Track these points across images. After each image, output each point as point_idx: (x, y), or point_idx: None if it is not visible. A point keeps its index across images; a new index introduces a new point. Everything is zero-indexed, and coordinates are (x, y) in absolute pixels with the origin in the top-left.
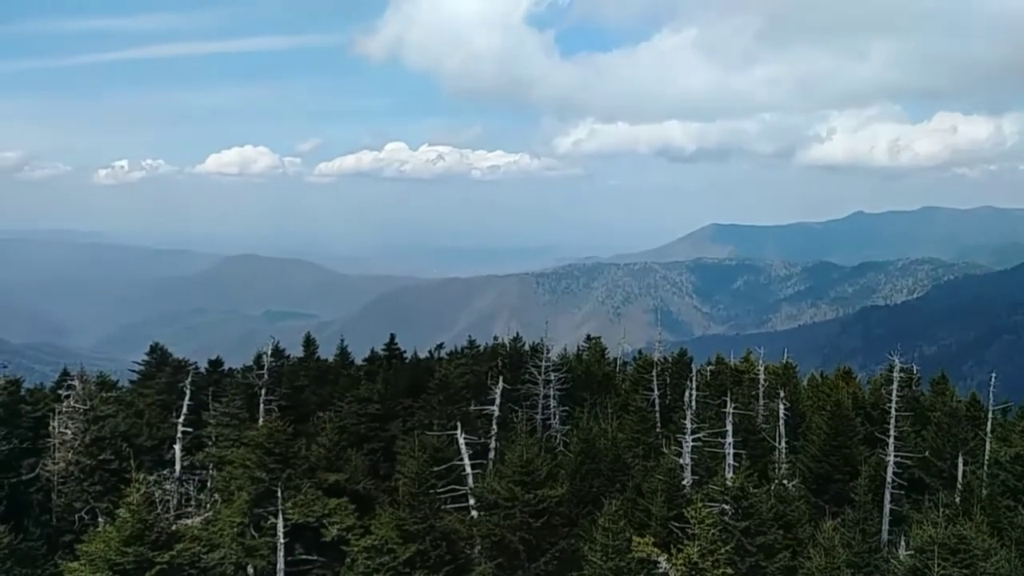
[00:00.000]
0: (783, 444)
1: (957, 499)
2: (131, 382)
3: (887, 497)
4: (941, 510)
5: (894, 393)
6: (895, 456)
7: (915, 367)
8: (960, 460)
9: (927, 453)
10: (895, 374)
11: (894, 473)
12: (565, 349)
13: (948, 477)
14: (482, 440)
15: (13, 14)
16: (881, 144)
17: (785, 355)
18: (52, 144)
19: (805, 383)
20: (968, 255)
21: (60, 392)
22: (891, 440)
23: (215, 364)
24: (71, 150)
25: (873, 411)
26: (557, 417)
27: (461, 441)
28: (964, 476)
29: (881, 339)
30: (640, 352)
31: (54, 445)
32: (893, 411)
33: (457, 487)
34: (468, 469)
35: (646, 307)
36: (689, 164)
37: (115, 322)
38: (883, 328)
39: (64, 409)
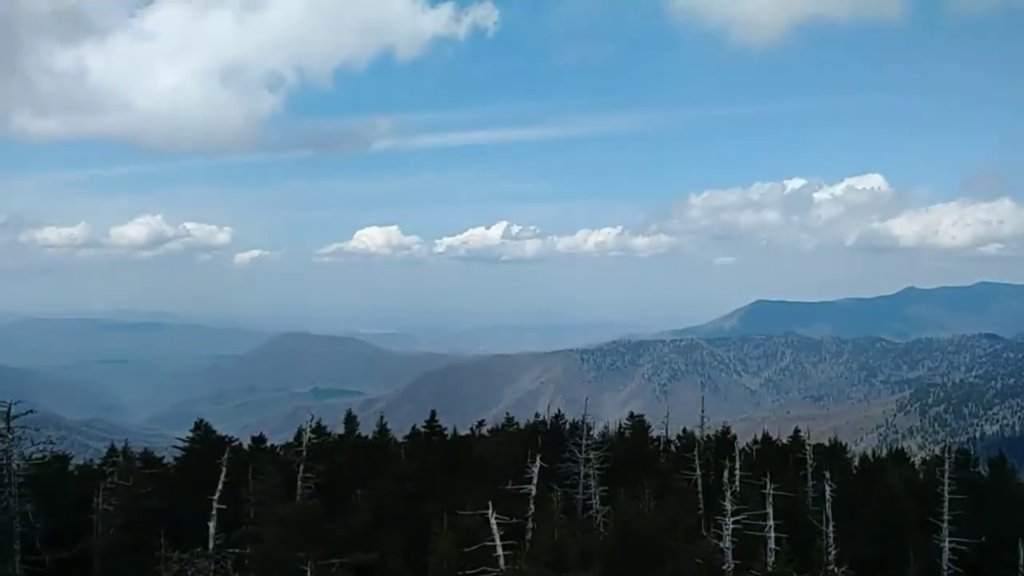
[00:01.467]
0: (830, 528)
1: None
2: (175, 459)
3: None
4: None
5: (946, 475)
6: (950, 542)
7: (972, 448)
8: (1021, 546)
9: (984, 539)
10: (946, 454)
11: (950, 560)
12: (606, 427)
13: (1009, 564)
14: (517, 520)
15: None
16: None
17: (835, 434)
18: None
19: (856, 464)
20: None
21: (106, 468)
22: (945, 525)
23: (257, 441)
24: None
25: (926, 494)
26: (597, 497)
27: (492, 521)
28: None
29: (939, 419)
30: (684, 430)
31: (97, 521)
32: (946, 494)
33: (488, 568)
34: (499, 550)
35: (693, 384)
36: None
37: (168, 400)
38: (941, 407)
39: (108, 485)
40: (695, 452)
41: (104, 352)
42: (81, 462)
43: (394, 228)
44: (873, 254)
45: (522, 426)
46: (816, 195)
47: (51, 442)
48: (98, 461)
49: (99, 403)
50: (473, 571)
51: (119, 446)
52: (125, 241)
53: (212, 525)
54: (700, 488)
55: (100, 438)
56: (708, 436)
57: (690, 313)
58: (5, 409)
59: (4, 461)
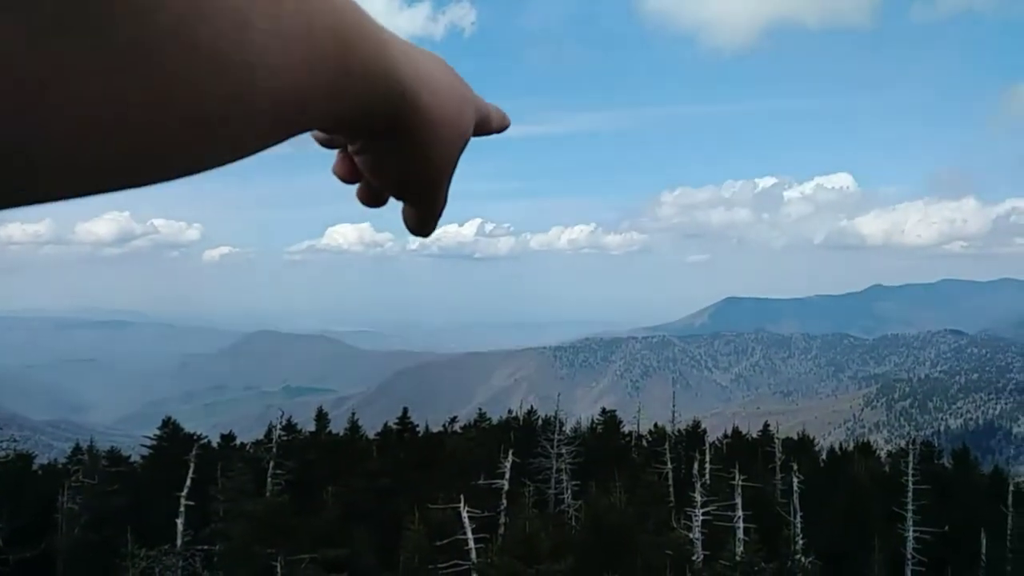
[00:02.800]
0: (798, 519)
1: None
2: (142, 457)
3: (908, 574)
4: None
5: (911, 466)
6: (914, 532)
7: (937, 441)
8: (983, 536)
9: (947, 528)
10: (911, 447)
11: (914, 549)
12: (579, 423)
13: (971, 554)
14: (489, 514)
15: None
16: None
17: (803, 428)
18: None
19: (824, 457)
20: (991, 328)
21: (71, 468)
22: (910, 515)
23: (227, 439)
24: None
25: (892, 485)
26: (569, 491)
27: (464, 515)
28: (987, 553)
29: (905, 413)
30: (656, 426)
31: (61, 521)
32: (911, 485)
33: (460, 562)
34: (472, 544)
35: (664, 380)
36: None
37: (136, 399)
38: (907, 402)
39: (72, 484)
40: (666, 446)
41: (70, 351)
42: (45, 462)
43: (366, 225)
44: (841, 252)
45: (495, 422)
46: (786, 193)
47: (15, 440)
48: (63, 460)
49: (65, 403)
50: (445, 564)
51: (84, 445)
52: (91, 238)
53: (180, 523)
54: (671, 481)
55: (65, 438)
56: (679, 431)
57: (662, 310)
58: None
59: None
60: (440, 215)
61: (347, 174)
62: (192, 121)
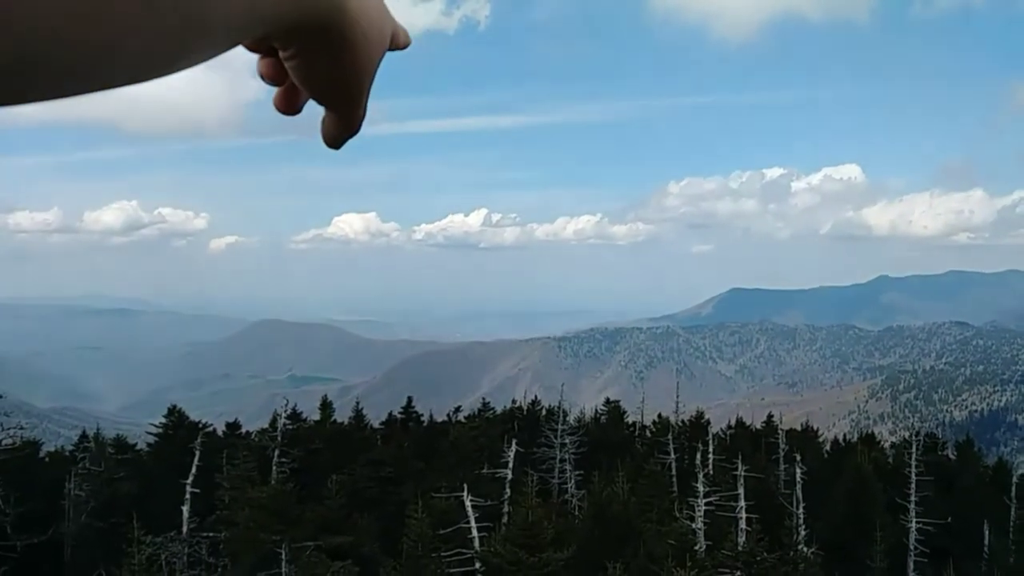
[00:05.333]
0: (800, 510)
1: (983, 567)
2: (148, 444)
3: (910, 565)
4: None
5: (914, 457)
6: (917, 523)
7: (942, 433)
8: (986, 528)
9: (950, 519)
10: (914, 438)
11: (916, 540)
12: (582, 413)
13: (974, 545)
14: (492, 503)
15: None
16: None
17: (807, 419)
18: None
19: (828, 448)
20: (997, 319)
21: (77, 455)
22: (913, 506)
23: (232, 427)
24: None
25: (895, 477)
26: (572, 481)
27: (467, 503)
28: (990, 544)
29: (910, 405)
30: (659, 416)
31: (68, 507)
32: (913, 476)
33: (463, 550)
34: (475, 532)
35: (669, 371)
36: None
37: (141, 387)
38: (912, 393)
39: (79, 471)
40: (669, 437)
41: (77, 339)
42: (53, 449)
43: (372, 215)
44: (847, 243)
45: (499, 412)
46: (794, 184)
47: (22, 428)
48: (70, 448)
49: (71, 391)
50: (448, 552)
51: (91, 433)
52: (99, 227)
53: (186, 510)
54: (674, 472)
55: (72, 426)
56: (682, 421)
57: (667, 301)
58: None
59: None
60: (358, 125)
61: (274, 75)
62: (153, 31)
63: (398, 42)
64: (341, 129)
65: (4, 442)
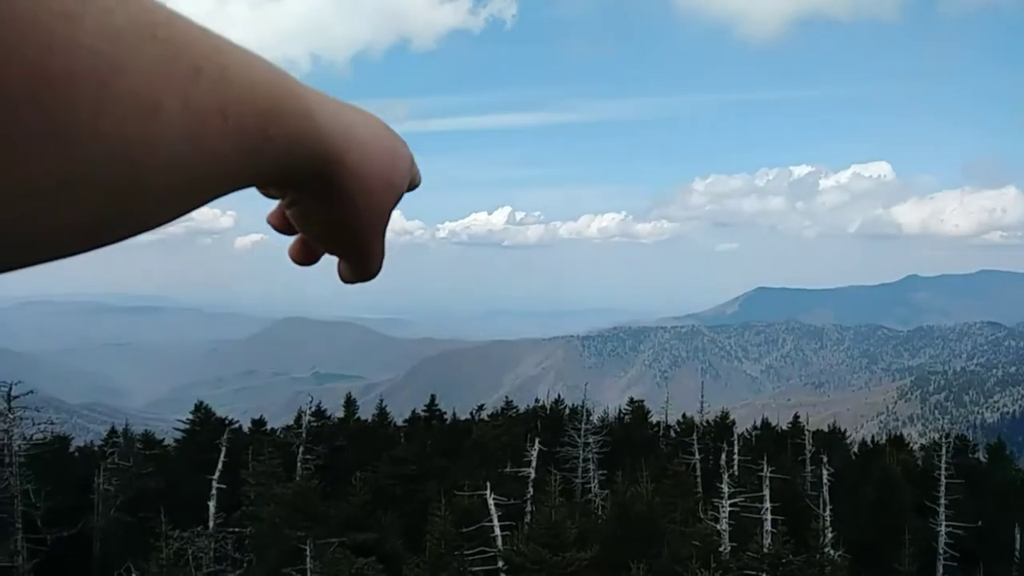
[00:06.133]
0: (827, 512)
1: (1014, 571)
2: (175, 440)
3: (939, 569)
4: None
5: (943, 459)
6: (947, 526)
7: (973, 435)
8: (1017, 531)
9: (980, 523)
10: (944, 440)
11: (946, 544)
12: (606, 412)
13: (1004, 549)
14: (515, 502)
15: None
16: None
17: (835, 420)
18: None
19: (855, 450)
20: None
21: (106, 450)
22: (942, 509)
23: (257, 424)
24: None
25: (924, 479)
26: (595, 480)
27: (490, 502)
28: (1021, 547)
29: (940, 406)
30: (684, 416)
31: (97, 501)
32: (943, 478)
33: (486, 549)
34: (498, 531)
35: (693, 371)
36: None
37: (167, 384)
38: (942, 395)
39: (108, 466)
40: (694, 437)
41: (105, 335)
42: (82, 444)
43: (396, 213)
44: (876, 241)
45: (522, 411)
46: (822, 182)
47: (52, 423)
48: (99, 443)
49: (99, 387)
50: (471, 551)
51: (119, 428)
52: None
53: (212, 505)
54: (698, 472)
55: (101, 421)
56: (707, 421)
57: (691, 299)
58: (6, 390)
59: (5, 441)
60: (376, 268)
61: (280, 224)
62: (100, 200)
63: (414, 183)
64: (355, 276)
65: (35, 437)
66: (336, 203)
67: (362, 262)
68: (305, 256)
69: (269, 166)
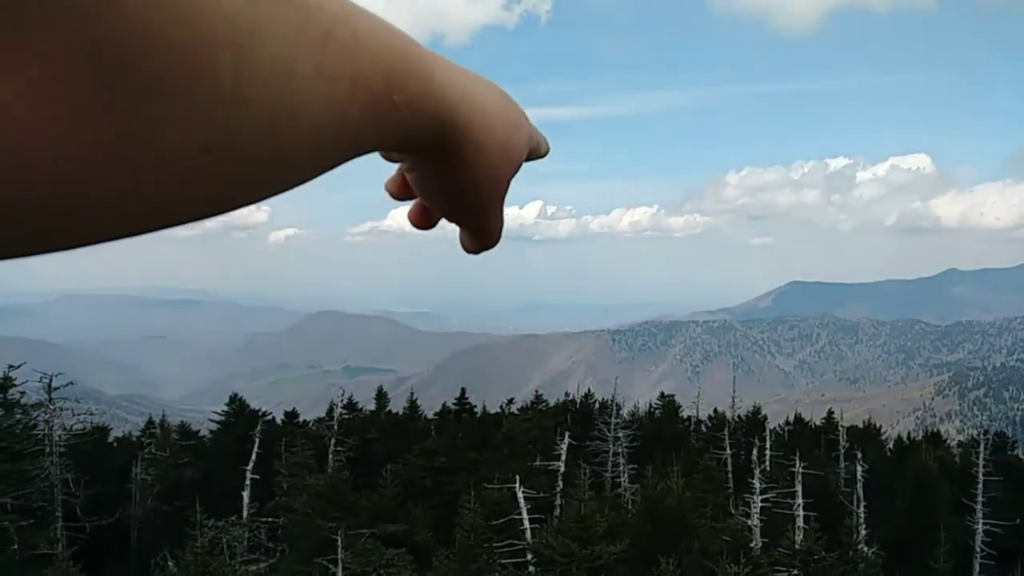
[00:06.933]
0: (861, 509)
1: None
2: (210, 431)
3: (976, 567)
4: None
5: (981, 456)
6: (984, 524)
7: (1012, 432)
8: None
9: (1018, 521)
10: (982, 436)
11: (983, 542)
12: (636, 406)
13: None
14: (544, 495)
15: None
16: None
17: (869, 416)
18: None
19: (891, 446)
20: None
21: (144, 440)
22: (979, 506)
23: (290, 416)
24: None
25: (961, 476)
26: (625, 475)
27: (520, 495)
28: None
29: (979, 402)
30: (715, 411)
31: (135, 491)
32: (981, 475)
33: (515, 541)
34: (527, 524)
35: (725, 365)
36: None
37: (203, 376)
38: (980, 391)
39: (146, 456)
40: (725, 432)
41: (143, 328)
42: (120, 435)
43: None
44: (914, 235)
45: (552, 405)
46: (859, 175)
47: (91, 414)
48: (137, 434)
49: (137, 378)
50: (500, 543)
51: (156, 420)
52: None
53: (246, 495)
54: (730, 467)
55: (139, 412)
56: (739, 416)
57: (724, 293)
58: (46, 381)
59: (45, 431)
60: (495, 236)
61: (397, 190)
62: (240, 165)
63: (539, 151)
64: (474, 243)
65: (75, 427)
66: (455, 169)
67: (480, 229)
68: (424, 220)
69: (392, 132)
